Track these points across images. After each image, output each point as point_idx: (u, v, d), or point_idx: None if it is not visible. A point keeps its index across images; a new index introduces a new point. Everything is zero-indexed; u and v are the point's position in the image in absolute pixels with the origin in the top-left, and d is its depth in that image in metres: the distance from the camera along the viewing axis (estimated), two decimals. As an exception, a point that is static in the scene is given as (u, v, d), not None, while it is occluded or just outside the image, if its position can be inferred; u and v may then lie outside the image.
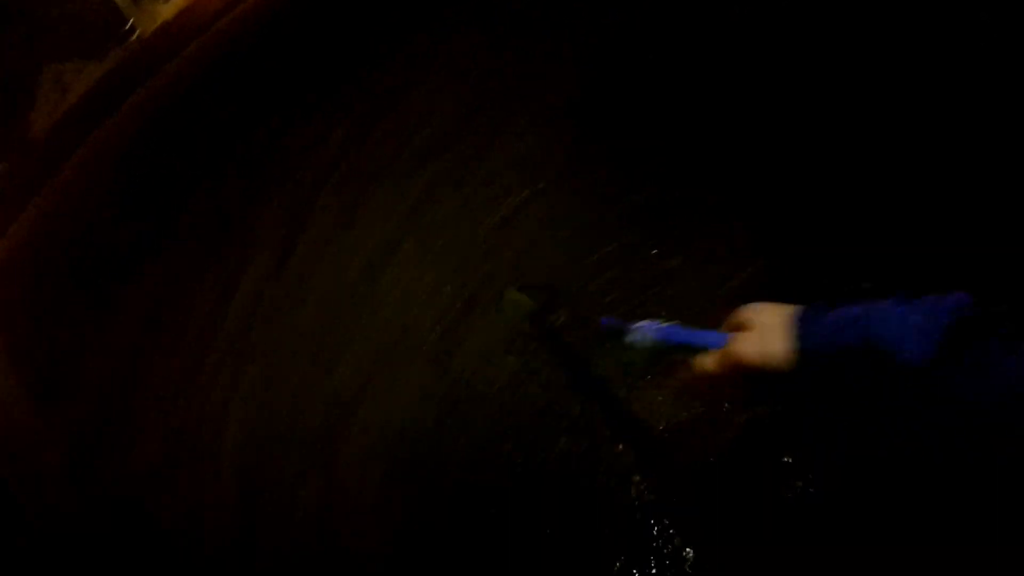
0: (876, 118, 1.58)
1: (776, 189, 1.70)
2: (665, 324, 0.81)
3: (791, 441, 1.34)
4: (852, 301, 0.59)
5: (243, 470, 1.82)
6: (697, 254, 1.83)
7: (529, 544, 1.55)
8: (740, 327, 0.66)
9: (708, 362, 0.68)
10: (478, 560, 1.55)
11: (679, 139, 1.92)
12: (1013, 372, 0.46)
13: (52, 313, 2.22)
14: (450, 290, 1.99)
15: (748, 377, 0.62)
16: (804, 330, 0.59)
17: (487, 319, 1.92)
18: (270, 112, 2.54)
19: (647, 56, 2.11)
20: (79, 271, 2.25)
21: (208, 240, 2.26)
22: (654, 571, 1.34)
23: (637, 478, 1.52)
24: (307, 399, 1.90)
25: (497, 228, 2.08)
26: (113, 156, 2.76)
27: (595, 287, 1.89)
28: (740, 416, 1.44)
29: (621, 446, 1.61)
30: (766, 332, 0.61)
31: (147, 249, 2.27)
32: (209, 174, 2.44)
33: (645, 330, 0.82)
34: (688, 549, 1.33)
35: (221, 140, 2.54)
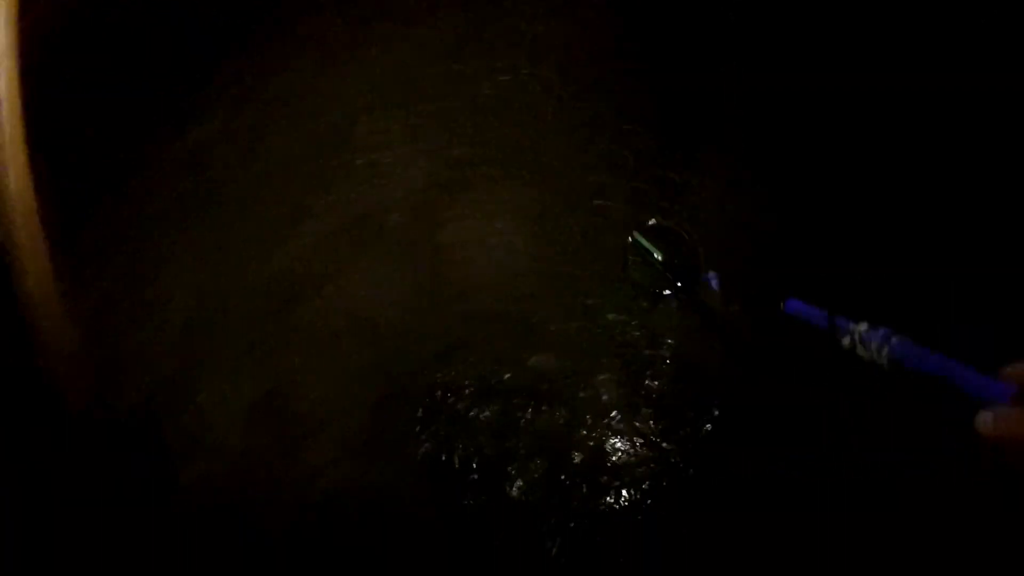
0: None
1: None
2: (900, 339, 0.58)
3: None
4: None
5: (188, 339, 1.71)
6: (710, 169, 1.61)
7: (496, 453, 1.53)
8: None
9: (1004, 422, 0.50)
10: (442, 463, 1.53)
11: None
12: None
13: None
14: (423, 168, 1.76)
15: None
16: None
17: (463, 210, 1.72)
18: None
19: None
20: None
21: (162, 85, 1.95)
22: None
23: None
24: (259, 274, 1.74)
25: (488, 107, 1.80)
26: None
27: (591, 183, 1.69)
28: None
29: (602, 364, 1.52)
30: None
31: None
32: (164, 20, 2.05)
33: (873, 339, 0.59)
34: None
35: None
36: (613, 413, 1.53)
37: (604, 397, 1.55)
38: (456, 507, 1.51)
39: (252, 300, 1.74)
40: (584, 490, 1.48)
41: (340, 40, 1.98)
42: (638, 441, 1.52)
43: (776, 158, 1.75)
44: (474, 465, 1.54)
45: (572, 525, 1.46)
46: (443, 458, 1.55)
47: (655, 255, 1.49)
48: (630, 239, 1.63)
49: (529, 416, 1.59)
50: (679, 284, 1.56)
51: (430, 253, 1.75)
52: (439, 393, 1.67)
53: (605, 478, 1.47)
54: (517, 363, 1.61)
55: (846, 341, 0.63)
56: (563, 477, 1.50)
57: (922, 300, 1.44)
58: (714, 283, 1.29)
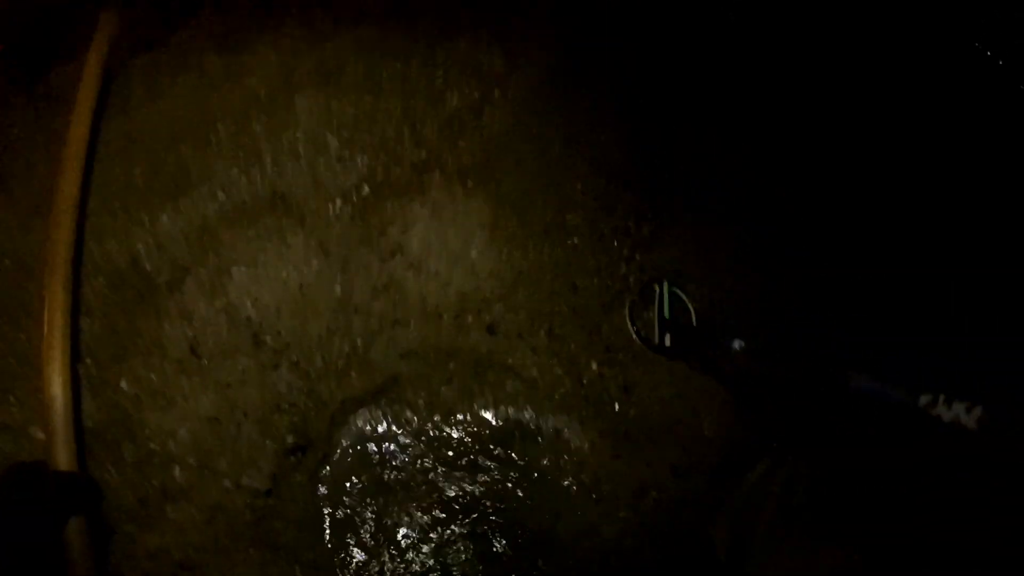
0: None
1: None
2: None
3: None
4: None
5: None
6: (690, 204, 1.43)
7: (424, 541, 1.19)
8: None
9: None
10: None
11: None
12: None
13: None
14: (360, 164, 1.43)
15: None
16: None
17: (412, 216, 1.40)
18: None
19: None
20: None
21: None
22: None
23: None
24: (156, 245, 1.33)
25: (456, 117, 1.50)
26: None
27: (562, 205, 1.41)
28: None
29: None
30: None
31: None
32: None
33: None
34: None
35: None
36: (582, 481, 1.23)
37: (569, 461, 1.25)
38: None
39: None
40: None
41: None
42: (607, 514, 1.23)
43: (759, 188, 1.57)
44: (388, 555, 1.19)
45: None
46: (351, 544, 1.18)
47: (666, 309, 1.33)
48: (656, 287, 1.42)
49: (470, 488, 1.26)
50: (682, 341, 1.36)
51: (366, 259, 1.41)
52: (354, 447, 1.31)
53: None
54: (461, 412, 1.29)
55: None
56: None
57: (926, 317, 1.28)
58: (736, 344, 1.21)
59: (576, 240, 1.45)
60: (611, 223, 1.52)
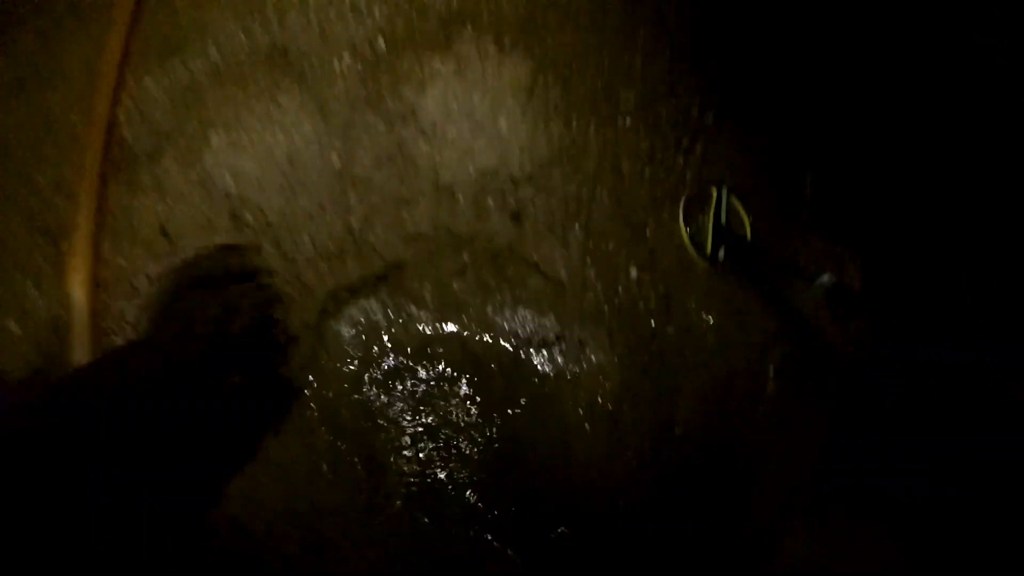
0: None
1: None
2: None
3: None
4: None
5: None
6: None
7: (424, 446, 1.06)
8: None
9: None
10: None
11: None
12: None
13: None
14: (377, 14, 1.14)
15: None
16: None
17: (431, 72, 1.13)
18: None
19: None
20: None
21: None
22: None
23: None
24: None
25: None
26: None
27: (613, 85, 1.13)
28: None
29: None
30: None
31: None
32: None
33: None
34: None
35: None
36: (600, 402, 1.06)
37: (590, 378, 1.07)
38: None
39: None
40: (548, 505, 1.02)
41: None
42: (624, 444, 1.07)
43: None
44: (393, 460, 1.05)
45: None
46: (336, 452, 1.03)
47: (723, 216, 1.12)
48: (714, 189, 1.19)
49: (477, 401, 1.10)
50: (738, 257, 1.14)
51: (371, 123, 1.16)
52: (347, 343, 1.13)
53: (579, 496, 1.02)
54: (474, 311, 1.09)
55: None
56: (516, 487, 1.03)
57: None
58: (826, 279, 1.18)
59: (628, 121, 1.19)
60: (671, 106, 1.24)
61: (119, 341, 1.22)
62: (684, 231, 1.16)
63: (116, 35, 1.33)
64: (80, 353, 1.19)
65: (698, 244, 1.17)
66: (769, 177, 1.31)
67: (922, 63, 1.28)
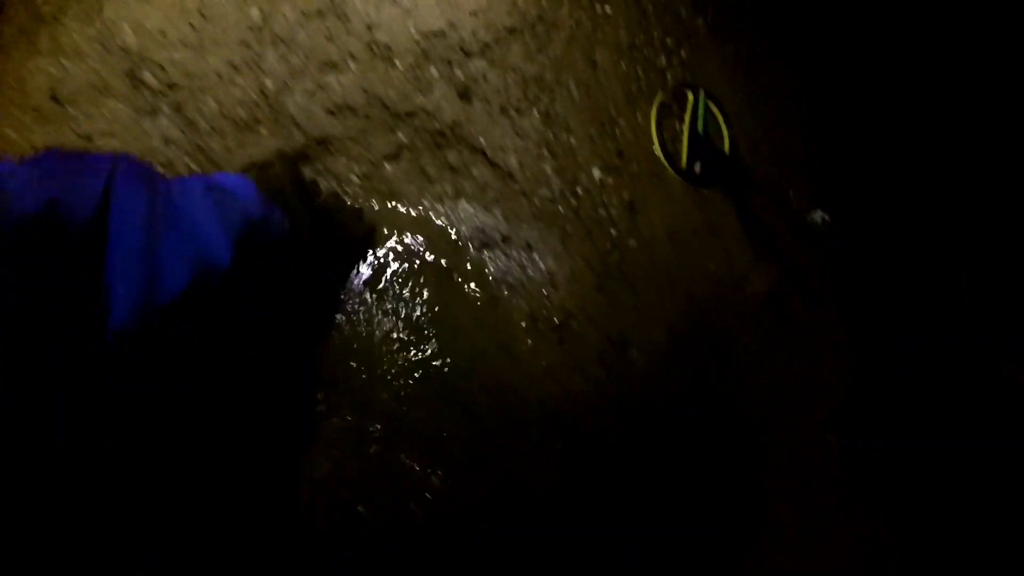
0: None
1: None
2: None
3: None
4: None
5: None
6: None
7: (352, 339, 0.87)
8: None
9: None
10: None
11: None
12: None
13: None
14: None
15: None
16: None
17: None
18: None
19: None
20: None
21: None
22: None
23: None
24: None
25: None
26: None
27: None
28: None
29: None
30: None
31: None
32: None
33: None
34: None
35: None
36: (545, 315, 0.92)
37: (536, 287, 0.93)
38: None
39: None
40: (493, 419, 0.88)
41: None
42: (570, 363, 0.94)
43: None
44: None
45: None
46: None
47: (700, 124, 0.98)
48: (690, 94, 1.05)
49: (405, 308, 0.94)
50: (714, 172, 1.03)
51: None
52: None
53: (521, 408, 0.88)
54: (408, 201, 0.93)
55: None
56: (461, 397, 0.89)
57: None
58: (817, 216, 1.09)
59: (609, 9, 1.02)
60: (660, 1, 1.08)
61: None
62: (655, 136, 1.02)
63: None
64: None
65: (672, 154, 1.04)
66: (761, 94, 1.17)
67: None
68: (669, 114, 1.05)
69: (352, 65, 0.92)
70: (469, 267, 0.90)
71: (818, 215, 1.08)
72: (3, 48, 1.11)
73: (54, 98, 1.06)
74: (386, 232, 0.92)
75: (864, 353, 1.05)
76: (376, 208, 0.95)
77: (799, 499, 0.92)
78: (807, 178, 1.17)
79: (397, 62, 0.91)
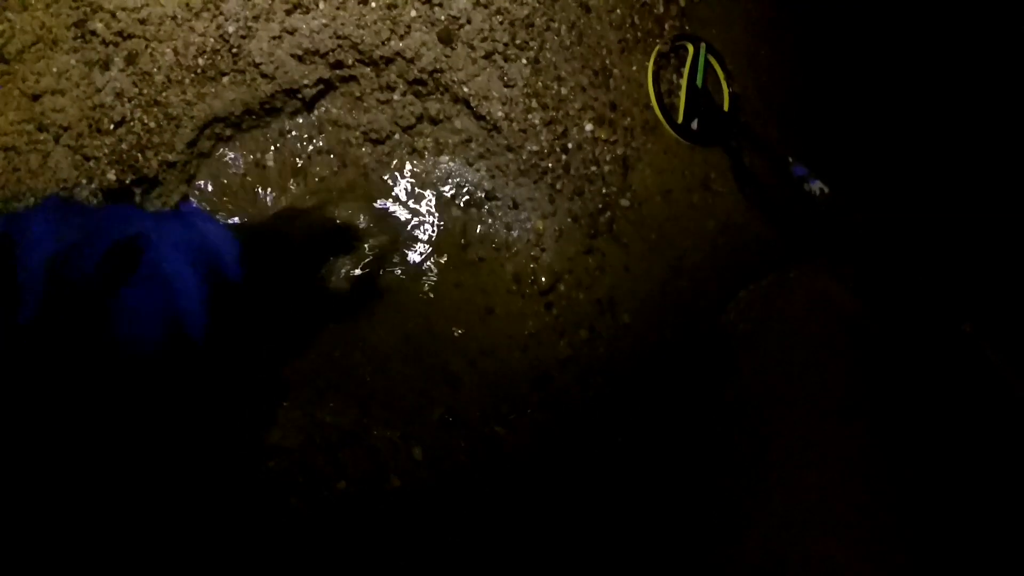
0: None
1: None
2: None
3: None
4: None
5: None
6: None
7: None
8: None
9: None
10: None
11: None
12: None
13: None
14: None
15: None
16: None
17: None
18: None
19: None
20: None
21: None
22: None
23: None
24: None
25: None
26: None
27: None
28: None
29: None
30: None
31: None
32: None
33: None
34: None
35: None
36: (533, 278, 0.87)
37: (523, 248, 0.87)
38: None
39: None
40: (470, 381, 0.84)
41: None
42: (557, 328, 0.89)
43: None
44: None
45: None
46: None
47: (699, 78, 0.93)
48: (690, 46, 0.98)
49: (388, 260, 0.88)
50: (712, 130, 0.98)
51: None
52: (234, 181, 0.89)
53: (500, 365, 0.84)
54: (386, 156, 0.86)
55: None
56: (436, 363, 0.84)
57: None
58: (816, 188, 1.09)
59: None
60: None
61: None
62: (653, 91, 0.96)
63: None
64: None
65: (668, 107, 0.97)
66: (764, 51, 1.11)
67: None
68: (667, 66, 0.99)
69: (322, 5, 0.83)
70: (452, 227, 0.85)
71: (816, 185, 1.03)
72: None
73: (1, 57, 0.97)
74: (362, 188, 0.86)
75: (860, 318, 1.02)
76: (348, 166, 0.88)
77: (796, 469, 0.90)
78: (808, 143, 1.11)
79: (372, 2, 0.83)
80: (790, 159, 1.05)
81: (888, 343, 0.96)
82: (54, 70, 0.96)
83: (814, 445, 0.85)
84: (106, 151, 0.90)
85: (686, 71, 0.98)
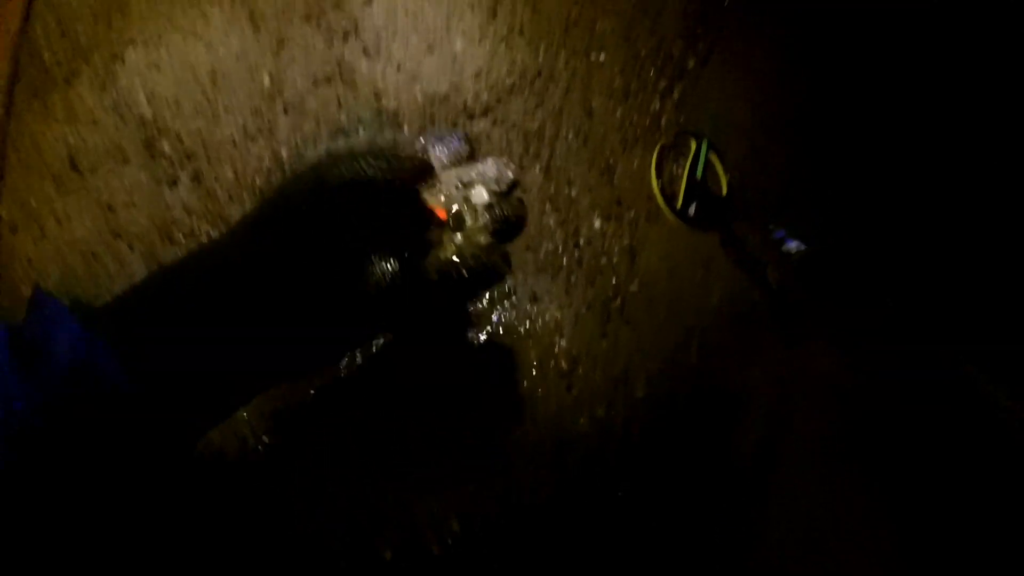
0: None
1: None
2: None
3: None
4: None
5: None
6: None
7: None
8: None
9: None
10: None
11: None
12: None
13: None
14: None
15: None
16: None
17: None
18: None
19: None
20: None
21: None
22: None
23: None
24: None
25: None
26: None
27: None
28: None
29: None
30: None
31: None
32: None
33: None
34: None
35: None
36: (555, 361, 0.97)
37: (545, 335, 0.98)
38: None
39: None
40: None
41: None
42: (578, 405, 0.99)
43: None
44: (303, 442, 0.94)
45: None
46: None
47: (699, 170, 1.03)
48: (693, 141, 1.08)
49: (428, 351, 1.00)
50: (709, 213, 1.07)
51: (308, 39, 1.01)
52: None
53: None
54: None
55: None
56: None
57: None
58: (791, 244, 1.17)
59: (603, 56, 1.06)
60: (652, 43, 1.12)
61: (27, 291, 1.08)
62: (656, 183, 1.06)
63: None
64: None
65: (669, 196, 1.08)
66: (752, 133, 1.21)
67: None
68: (668, 157, 1.09)
69: (363, 131, 0.96)
70: (479, 319, 0.96)
71: (793, 244, 1.11)
72: (17, 112, 1.17)
73: (73, 166, 1.11)
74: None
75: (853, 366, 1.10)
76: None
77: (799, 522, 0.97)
78: (797, 215, 1.21)
79: (405, 127, 0.96)
80: (771, 226, 1.13)
81: (889, 403, 1.03)
82: (126, 184, 1.10)
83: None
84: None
85: (687, 164, 1.08)
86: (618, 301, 0.99)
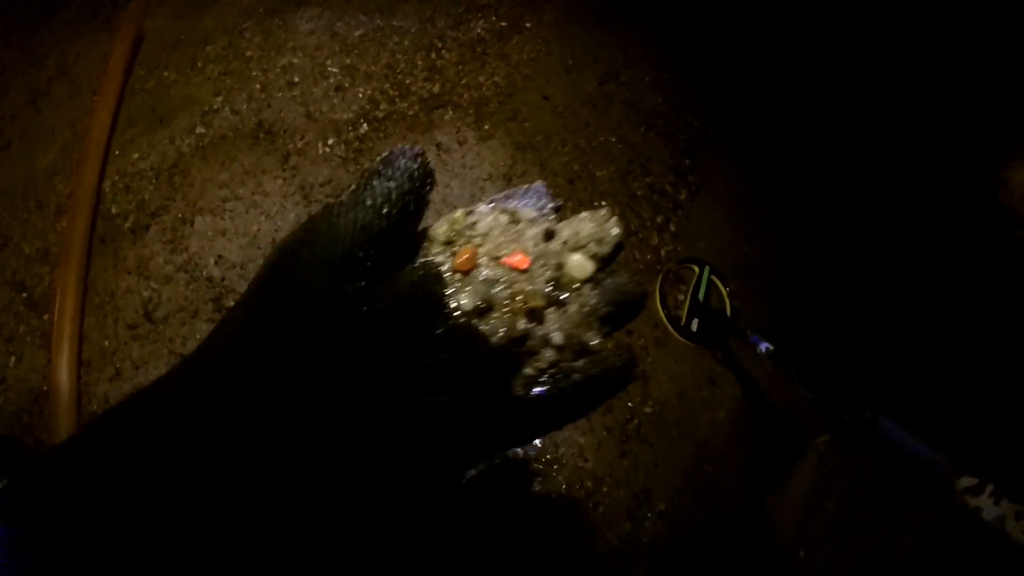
0: None
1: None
2: None
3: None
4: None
5: None
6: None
7: None
8: None
9: None
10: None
11: None
12: None
13: None
14: (361, 96, 1.19)
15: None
16: None
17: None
18: None
19: None
20: None
21: None
22: None
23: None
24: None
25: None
26: None
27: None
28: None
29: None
30: None
31: None
32: None
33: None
34: None
35: None
36: (580, 483, 1.07)
37: (570, 459, 1.09)
38: None
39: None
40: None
41: None
42: (604, 522, 1.08)
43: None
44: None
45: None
46: None
47: (701, 292, 1.16)
48: (695, 268, 1.22)
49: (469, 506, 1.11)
50: (710, 329, 1.17)
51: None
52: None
53: None
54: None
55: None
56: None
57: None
58: (762, 347, 1.15)
59: (604, 202, 1.23)
60: (646, 182, 1.29)
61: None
62: (661, 311, 1.20)
63: (106, 102, 1.36)
64: (60, 430, 1.19)
65: (673, 318, 1.21)
66: (743, 255, 1.35)
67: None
68: (673, 283, 1.23)
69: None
70: (509, 452, 1.07)
71: (764, 346, 1.19)
72: (89, 257, 1.35)
73: (147, 316, 1.29)
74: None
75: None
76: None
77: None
78: (795, 325, 1.32)
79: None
80: (748, 331, 1.22)
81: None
82: (199, 337, 1.27)
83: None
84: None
85: (690, 287, 1.22)
86: (634, 423, 1.10)
